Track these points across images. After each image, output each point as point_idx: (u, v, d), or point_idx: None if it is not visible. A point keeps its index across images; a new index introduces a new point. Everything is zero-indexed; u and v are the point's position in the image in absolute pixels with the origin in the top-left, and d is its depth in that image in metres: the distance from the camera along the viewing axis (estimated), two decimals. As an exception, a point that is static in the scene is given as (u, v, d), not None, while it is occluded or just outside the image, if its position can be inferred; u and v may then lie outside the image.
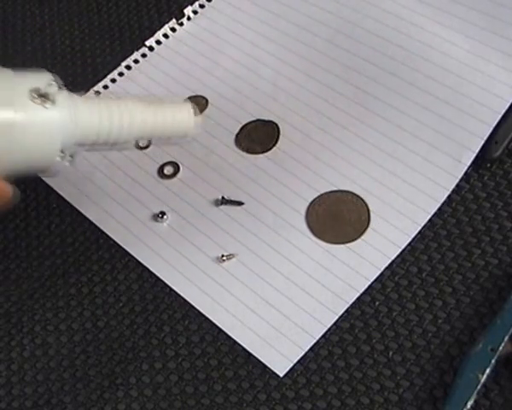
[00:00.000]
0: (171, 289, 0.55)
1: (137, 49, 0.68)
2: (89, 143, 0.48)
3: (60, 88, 0.46)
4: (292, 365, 0.50)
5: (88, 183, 0.60)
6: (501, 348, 0.47)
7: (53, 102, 0.45)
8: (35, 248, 0.59)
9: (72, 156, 0.47)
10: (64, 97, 0.46)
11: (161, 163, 0.60)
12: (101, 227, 0.58)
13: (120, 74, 0.67)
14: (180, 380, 0.51)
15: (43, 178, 0.61)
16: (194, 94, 0.64)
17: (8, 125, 0.44)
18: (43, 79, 0.45)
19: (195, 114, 0.50)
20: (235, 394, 0.50)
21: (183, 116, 0.50)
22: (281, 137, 0.60)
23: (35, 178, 0.61)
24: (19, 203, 0.61)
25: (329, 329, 0.51)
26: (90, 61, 0.69)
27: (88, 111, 0.47)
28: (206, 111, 0.63)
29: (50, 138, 0.45)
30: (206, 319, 0.53)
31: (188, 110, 0.50)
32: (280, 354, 0.51)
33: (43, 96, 0.44)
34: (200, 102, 0.63)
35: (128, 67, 0.67)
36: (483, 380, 0.46)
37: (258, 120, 0.61)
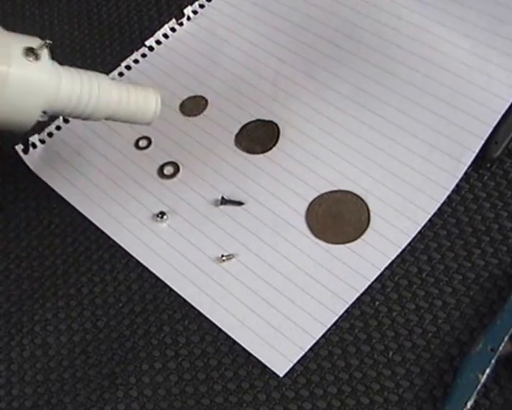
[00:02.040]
0: (171, 290, 0.55)
1: (137, 50, 0.68)
2: (66, 108, 0.51)
3: (48, 50, 0.50)
4: (292, 365, 0.50)
5: (88, 183, 0.60)
6: (501, 348, 0.47)
7: (43, 61, 0.49)
8: (35, 248, 0.59)
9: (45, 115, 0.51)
10: (50, 60, 0.50)
11: (161, 163, 0.60)
12: (101, 227, 0.58)
13: (120, 74, 0.67)
14: (180, 380, 0.51)
15: (44, 179, 0.61)
16: (194, 94, 0.64)
17: (3, 77, 0.47)
18: (35, 41, 0.49)
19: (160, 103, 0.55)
20: (235, 394, 0.50)
21: (150, 102, 0.54)
22: (281, 137, 0.60)
23: (35, 178, 0.62)
24: (19, 203, 0.61)
25: (329, 329, 0.51)
26: (90, 61, 0.69)
27: (69, 77, 0.51)
28: (206, 111, 0.63)
29: (38, 93, 0.49)
30: (206, 319, 0.53)
31: (156, 98, 0.54)
32: (280, 354, 0.51)
33: (35, 55, 0.48)
34: (200, 102, 0.63)
35: (128, 67, 0.67)
36: (483, 380, 0.46)
37: (258, 120, 0.61)
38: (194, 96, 0.64)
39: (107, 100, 0.52)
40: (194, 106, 0.63)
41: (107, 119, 0.54)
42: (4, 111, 0.48)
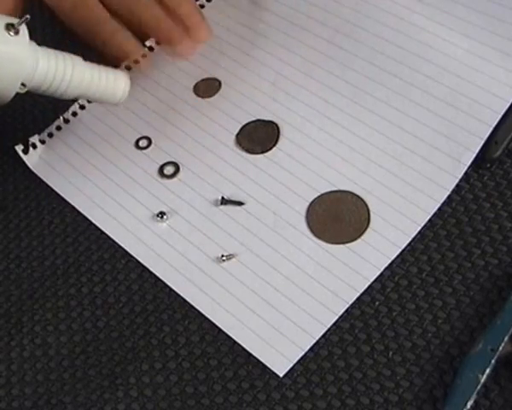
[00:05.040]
0: (171, 290, 0.55)
1: (137, 50, 0.68)
2: (43, 83, 0.55)
3: (26, 27, 0.54)
4: (292, 365, 0.50)
5: (88, 183, 0.60)
6: (501, 348, 0.47)
7: (23, 36, 0.53)
8: (35, 248, 0.59)
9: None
10: (28, 37, 0.54)
11: (161, 163, 0.60)
12: (101, 227, 0.58)
13: (120, 74, 0.67)
14: (180, 380, 0.51)
15: (44, 179, 0.61)
16: (194, 94, 0.64)
17: None
18: (15, 19, 0.54)
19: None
20: (235, 394, 0.50)
21: (120, 83, 0.59)
22: (281, 137, 0.60)
23: (35, 178, 0.62)
24: (19, 203, 0.61)
25: (329, 329, 0.51)
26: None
27: (46, 54, 0.55)
28: (207, 111, 0.63)
29: (18, 65, 0.53)
30: (206, 319, 0.53)
31: (125, 79, 0.59)
32: (280, 354, 0.51)
33: (15, 30, 0.53)
34: (200, 102, 0.63)
35: (128, 68, 0.67)
36: (483, 380, 0.46)
37: (258, 120, 0.61)
38: (195, 96, 0.64)
39: (80, 78, 0.56)
40: (194, 106, 0.63)
41: (78, 97, 0.59)
42: None
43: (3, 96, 0.55)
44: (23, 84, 0.54)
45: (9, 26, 0.53)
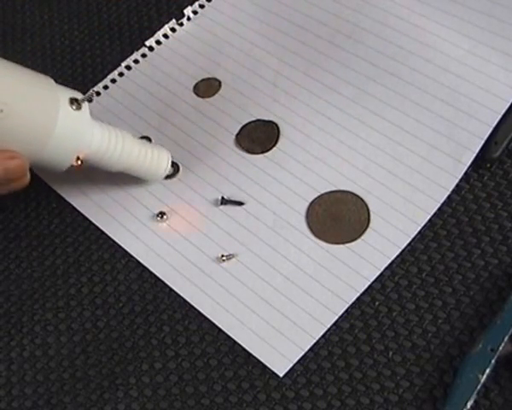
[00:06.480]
0: (171, 290, 0.55)
1: (137, 50, 0.68)
2: (95, 157, 0.55)
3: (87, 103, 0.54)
4: (292, 365, 0.50)
5: (88, 183, 0.60)
6: (501, 348, 0.47)
7: (84, 112, 0.53)
8: (35, 248, 0.59)
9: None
10: (89, 112, 0.54)
11: (161, 163, 0.60)
12: (102, 227, 0.58)
13: (120, 74, 0.67)
14: (180, 380, 0.51)
15: (44, 179, 0.61)
16: (194, 94, 0.64)
17: (53, 120, 0.52)
18: (78, 94, 0.54)
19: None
20: (235, 394, 0.50)
21: (163, 161, 0.58)
22: (281, 137, 0.60)
23: (35, 178, 0.62)
24: (19, 203, 0.61)
25: (329, 329, 0.51)
26: (89, 62, 0.69)
27: (101, 129, 0.55)
28: (207, 111, 0.63)
29: (77, 140, 0.53)
30: (206, 319, 0.53)
31: (168, 157, 0.58)
32: (280, 354, 0.51)
33: (78, 105, 0.53)
34: (200, 102, 0.63)
35: (128, 68, 0.67)
36: (483, 380, 0.46)
37: (258, 120, 0.61)
38: (195, 96, 0.64)
39: (128, 154, 0.56)
40: (194, 106, 0.63)
41: (124, 171, 0.57)
42: (47, 151, 0.52)
43: (59, 167, 0.55)
44: (78, 158, 0.54)
45: (73, 101, 0.53)
